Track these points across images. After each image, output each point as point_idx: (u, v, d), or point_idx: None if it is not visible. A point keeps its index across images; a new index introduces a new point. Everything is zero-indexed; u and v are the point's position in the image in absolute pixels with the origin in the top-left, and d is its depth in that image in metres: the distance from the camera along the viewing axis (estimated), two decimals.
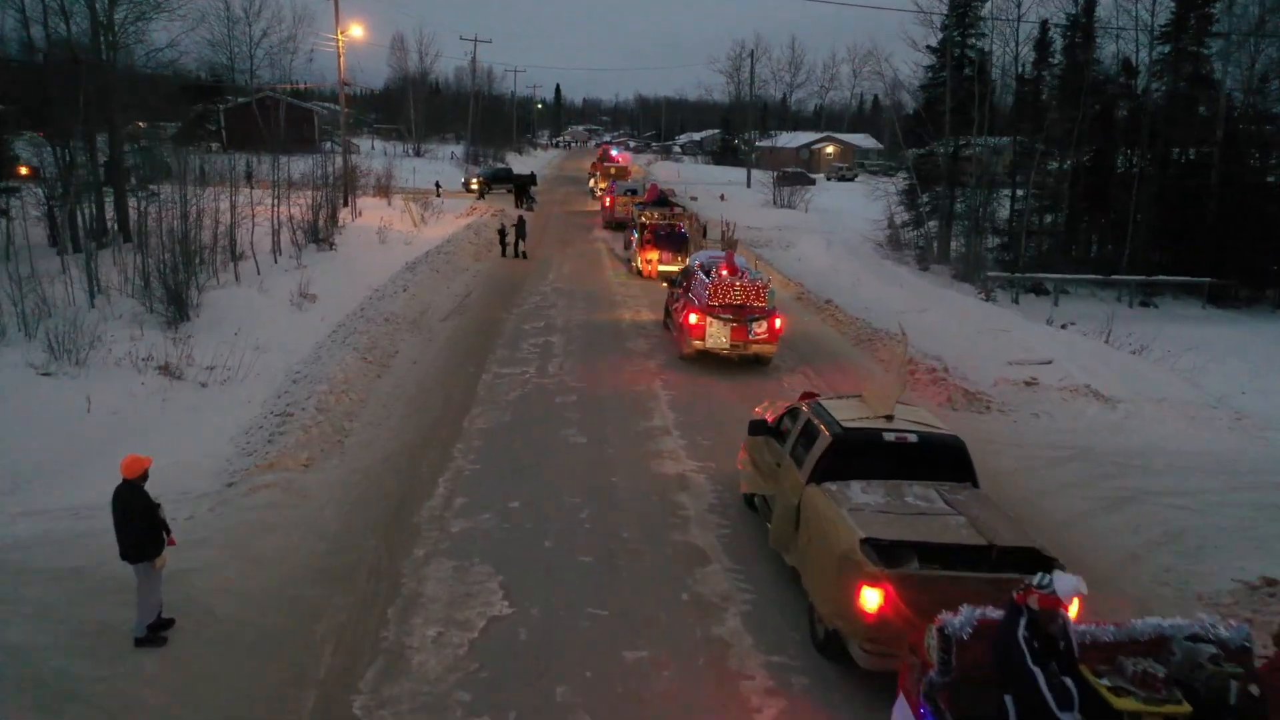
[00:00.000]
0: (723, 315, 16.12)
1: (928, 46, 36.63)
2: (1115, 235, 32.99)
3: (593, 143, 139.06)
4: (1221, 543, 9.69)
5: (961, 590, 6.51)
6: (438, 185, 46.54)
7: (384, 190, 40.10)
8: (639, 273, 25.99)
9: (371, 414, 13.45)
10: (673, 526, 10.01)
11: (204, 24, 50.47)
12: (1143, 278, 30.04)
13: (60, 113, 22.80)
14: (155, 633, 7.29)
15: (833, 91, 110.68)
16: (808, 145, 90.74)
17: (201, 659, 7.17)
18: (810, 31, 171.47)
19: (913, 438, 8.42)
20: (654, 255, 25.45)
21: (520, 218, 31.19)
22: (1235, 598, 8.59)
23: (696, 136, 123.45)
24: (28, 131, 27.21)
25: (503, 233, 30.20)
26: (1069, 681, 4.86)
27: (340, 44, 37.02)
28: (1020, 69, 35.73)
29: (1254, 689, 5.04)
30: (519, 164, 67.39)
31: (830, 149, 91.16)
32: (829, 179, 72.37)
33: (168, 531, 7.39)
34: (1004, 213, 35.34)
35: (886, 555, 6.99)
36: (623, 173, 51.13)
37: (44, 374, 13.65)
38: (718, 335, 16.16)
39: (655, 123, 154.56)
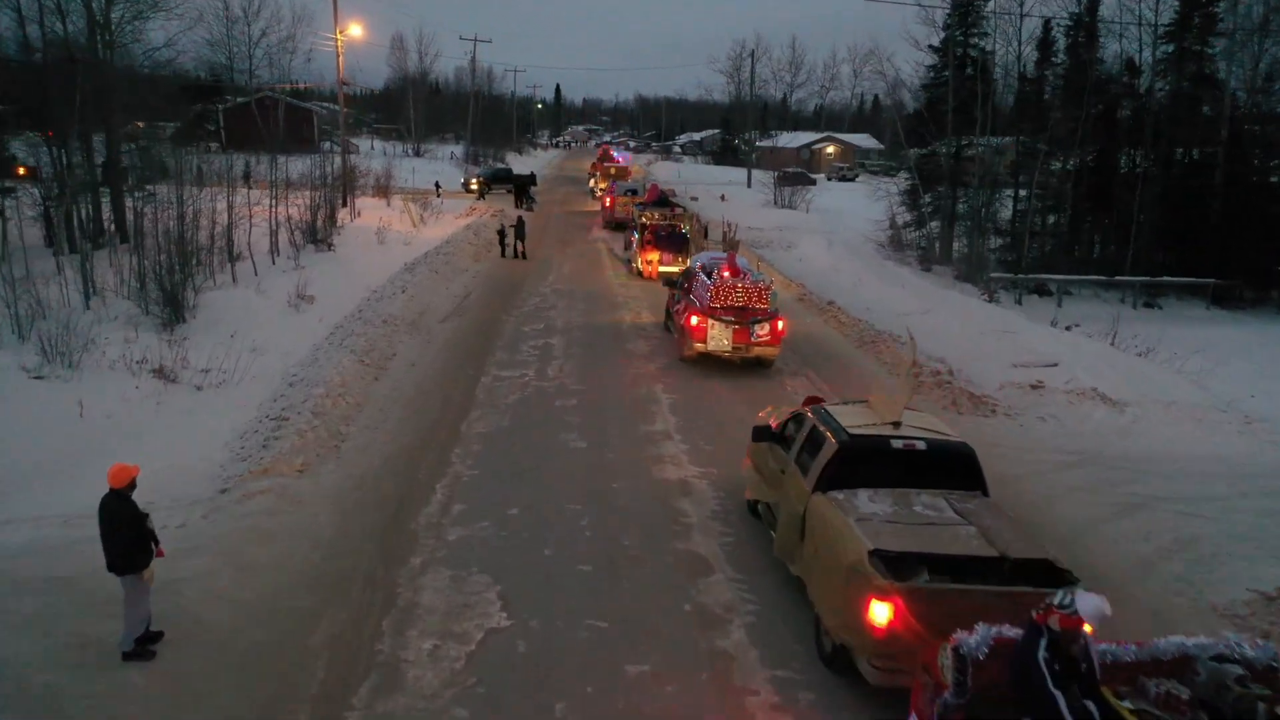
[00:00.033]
0: (725, 317, 15.92)
1: (930, 46, 36.54)
2: (1118, 236, 32.81)
3: (593, 143, 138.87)
4: (1235, 550, 9.48)
5: (974, 604, 6.32)
6: (438, 185, 46.35)
7: (383, 190, 39.92)
8: (639, 273, 25.78)
9: (368, 418, 13.25)
10: (675, 534, 9.81)
11: (202, 23, 50.31)
12: (1147, 279, 29.88)
13: (57, 112, 22.61)
14: (143, 646, 7.09)
15: (833, 91, 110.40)
16: (808, 145, 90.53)
17: (190, 673, 6.97)
18: (811, 31, 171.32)
19: (921, 445, 8.22)
20: (654, 256, 25.25)
21: (519, 218, 30.99)
22: (1252, 608, 8.39)
23: (696, 136, 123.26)
24: (28, 132, 26.99)
25: (502, 233, 30.01)
26: (1091, 705, 4.67)
27: (339, 43, 36.87)
28: (1023, 68, 35.58)
29: None
30: (519, 164, 67.21)
31: (831, 149, 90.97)
32: (829, 179, 72.20)
33: (156, 542, 7.19)
34: (1006, 213, 35.17)
35: (895, 567, 6.79)
36: (623, 173, 50.95)
37: (36, 377, 13.46)
38: (719, 337, 15.96)
39: (655, 123, 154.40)
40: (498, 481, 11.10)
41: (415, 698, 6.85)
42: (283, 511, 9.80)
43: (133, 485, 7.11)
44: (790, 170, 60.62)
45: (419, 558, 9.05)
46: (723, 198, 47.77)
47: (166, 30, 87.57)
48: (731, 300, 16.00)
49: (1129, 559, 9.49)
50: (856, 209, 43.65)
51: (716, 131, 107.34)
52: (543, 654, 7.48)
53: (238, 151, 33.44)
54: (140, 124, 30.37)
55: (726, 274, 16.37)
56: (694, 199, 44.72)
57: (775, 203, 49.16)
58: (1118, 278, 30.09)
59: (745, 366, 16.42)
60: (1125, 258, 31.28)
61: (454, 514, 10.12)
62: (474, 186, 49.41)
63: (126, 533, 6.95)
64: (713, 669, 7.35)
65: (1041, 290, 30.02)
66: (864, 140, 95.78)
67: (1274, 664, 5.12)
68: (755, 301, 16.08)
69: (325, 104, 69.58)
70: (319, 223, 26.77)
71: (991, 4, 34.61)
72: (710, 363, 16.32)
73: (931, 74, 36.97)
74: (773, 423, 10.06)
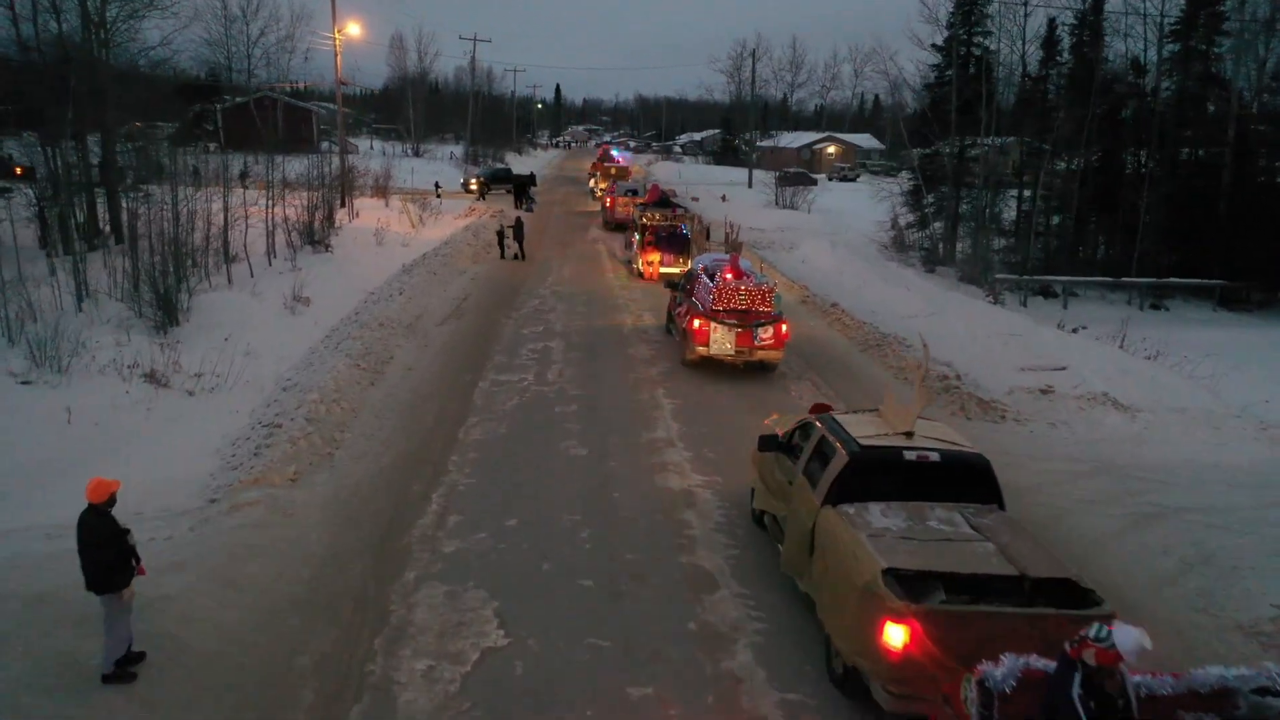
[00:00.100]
0: (727, 320, 15.62)
1: (933, 45, 36.26)
2: (1124, 237, 32.45)
3: (593, 143, 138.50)
4: (1258, 564, 9.16)
5: (993, 626, 6.03)
6: (437, 186, 46.04)
7: (382, 191, 39.59)
8: (640, 275, 25.47)
9: (363, 424, 12.94)
10: (678, 547, 9.50)
11: (200, 22, 50.13)
12: (1153, 280, 29.54)
13: (52, 112, 22.29)
14: (124, 668, 6.78)
15: (834, 91, 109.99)
16: (809, 145, 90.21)
17: (173, 697, 6.66)
18: (811, 31, 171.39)
19: (935, 456, 7.91)
20: (655, 257, 24.95)
21: (518, 219, 30.67)
22: (1277, 625, 8.08)
23: (697, 136, 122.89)
24: (25, 132, 26.66)
25: (501, 234, 29.70)
26: None
27: (337, 43, 36.57)
28: (1027, 67, 35.25)
29: None
30: (519, 164, 66.87)
31: (832, 149, 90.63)
32: (831, 179, 71.87)
33: (137, 560, 6.87)
34: (1010, 214, 34.85)
35: (910, 586, 6.48)
36: (623, 173, 50.68)
37: (23, 382, 13.14)
38: (722, 341, 15.65)
39: (655, 123, 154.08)
40: (495, 491, 10.79)
41: None
42: (273, 524, 9.48)
43: (112, 500, 6.79)
44: (791, 170, 60.37)
45: (413, 572, 8.75)
46: (724, 198, 47.47)
47: (162, 29, 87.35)
48: (734, 303, 15.69)
49: (1148, 573, 9.17)
50: (858, 209, 43.32)
51: (717, 131, 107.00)
52: (542, 675, 7.17)
53: (236, 151, 33.14)
54: (139, 124, 30.03)
55: (729, 276, 16.07)
56: (695, 199, 44.43)
57: (776, 203, 48.89)
58: (1124, 279, 29.75)
59: (748, 371, 16.11)
60: (1131, 259, 30.94)
61: (450, 525, 9.82)
62: (473, 187, 49.10)
63: (106, 551, 6.64)
64: (719, 692, 7.04)
65: (1046, 292, 29.69)
66: (865, 140, 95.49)
67: None
68: (758, 304, 15.78)
69: (324, 104, 69.33)
70: (317, 224, 26.45)
71: (994, 4, 34.34)
72: (713, 367, 16.01)
73: (935, 73, 36.68)
74: (779, 431, 9.76)
